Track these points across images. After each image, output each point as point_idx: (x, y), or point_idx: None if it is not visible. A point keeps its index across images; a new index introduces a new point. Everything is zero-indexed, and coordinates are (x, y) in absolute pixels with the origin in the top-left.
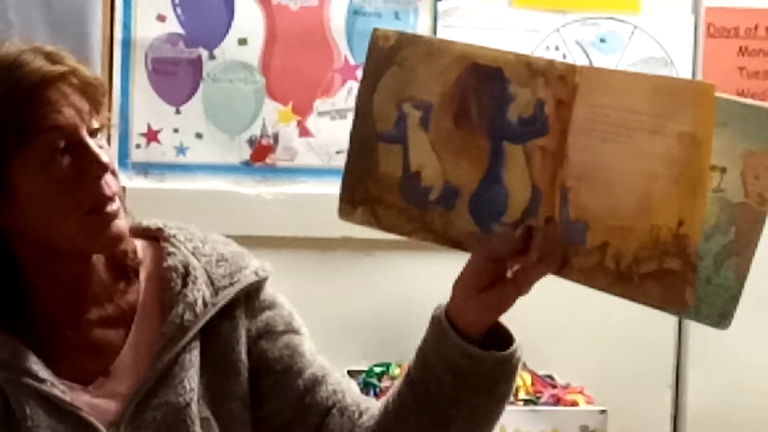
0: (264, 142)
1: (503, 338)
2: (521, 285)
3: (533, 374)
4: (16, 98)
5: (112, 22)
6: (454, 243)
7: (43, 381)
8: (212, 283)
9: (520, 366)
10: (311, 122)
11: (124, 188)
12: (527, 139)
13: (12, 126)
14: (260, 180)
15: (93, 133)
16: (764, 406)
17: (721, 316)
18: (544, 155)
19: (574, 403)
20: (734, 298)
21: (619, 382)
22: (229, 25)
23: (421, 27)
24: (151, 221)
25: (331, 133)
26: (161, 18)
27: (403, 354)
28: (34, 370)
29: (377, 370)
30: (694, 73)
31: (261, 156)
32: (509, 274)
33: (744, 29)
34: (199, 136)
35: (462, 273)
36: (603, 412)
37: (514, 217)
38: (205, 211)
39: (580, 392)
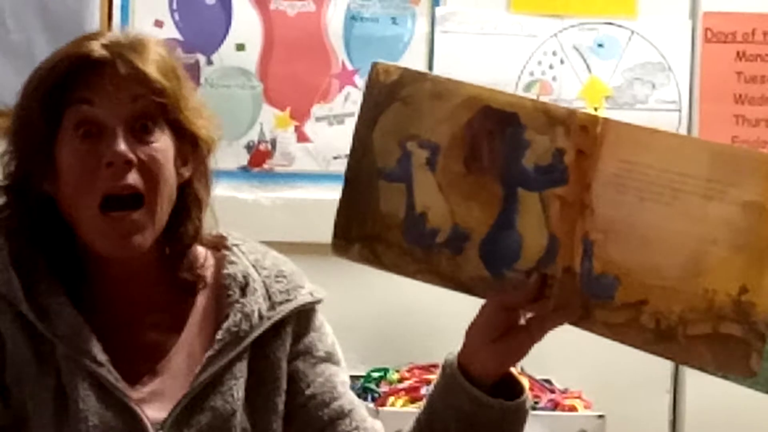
0: (262, 147)
1: (512, 385)
2: (535, 334)
3: (531, 379)
4: (58, 70)
5: (109, 28)
6: (464, 287)
7: (100, 365)
8: (269, 297)
9: (528, 416)
10: (309, 127)
11: None
12: (544, 188)
13: (52, 97)
14: (258, 185)
15: (144, 129)
16: (762, 412)
17: None
18: (562, 205)
19: (572, 408)
20: None
21: (618, 387)
22: (226, 31)
23: (419, 32)
24: (214, 229)
25: (328, 138)
26: (159, 23)
27: (401, 359)
28: (94, 353)
29: (375, 375)
30: (691, 78)
31: (259, 161)
32: (522, 321)
33: (741, 34)
34: None
35: (475, 321)
36: (601, 417)
37: (528, 265)
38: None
39: (578, 397)
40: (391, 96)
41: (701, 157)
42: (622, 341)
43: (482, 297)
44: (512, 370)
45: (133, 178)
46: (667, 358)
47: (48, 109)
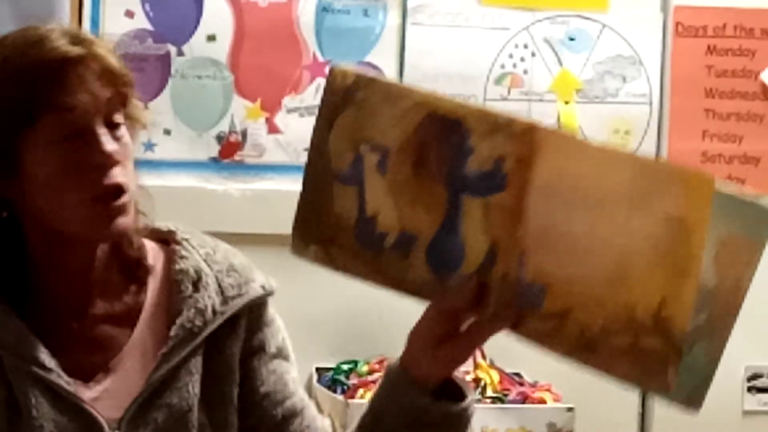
0: (232, 138)
1: (457, 387)
2: (475, 339)
3: (501, 372)
4: (30, 75)
5: (80, 18)
6: (410, 291)
7: (49, 371)
8: (222, 292)
9: (472, 420)
10: (280, 119)
11: None
12: (486, 194)
13: (22, 102)
14: (228, 176)
15: (113, 124)
16: (729, 406)
17: (690, 399)
18: (502, 211)
19: (542, 401)
20: (705, 382)
21: (587, 380)
22: (197, 22)
23: (390, 24)
24: (161, 223)
25: (299, 129)
26: (130, 14)
27: (371, 351)
28: (41, 359)
29: (345, 367)
30: (662, 72)
31: (229, 152)
32: (464, 327)
33: (712, 28)
34: (167, 132)
35: (417, 325)
36: (570, 410)
37: (469, 270)
38: (172, 207)
39: (548, 390)
40: (346, 99)
41: (627, 170)
42: (549, 350)
43: (427, 301)
44: (455, 373)
45: (121, 175)
46: (590, 368)
47: (21, 114)
